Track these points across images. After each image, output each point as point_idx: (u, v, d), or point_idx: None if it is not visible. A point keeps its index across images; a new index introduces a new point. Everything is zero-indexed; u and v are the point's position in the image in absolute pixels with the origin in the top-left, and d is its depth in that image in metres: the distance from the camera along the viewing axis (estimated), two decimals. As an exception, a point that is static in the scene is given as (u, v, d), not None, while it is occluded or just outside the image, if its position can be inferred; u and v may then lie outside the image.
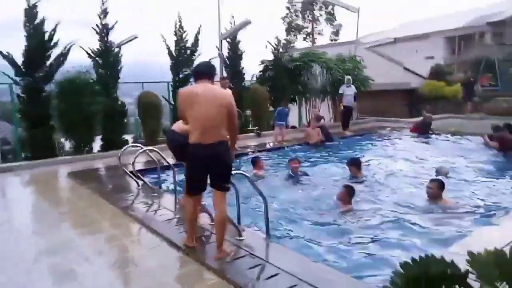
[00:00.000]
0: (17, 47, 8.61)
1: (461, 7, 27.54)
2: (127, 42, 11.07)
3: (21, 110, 8.67)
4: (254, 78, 13.36)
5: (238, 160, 7.26)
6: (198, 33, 11.00)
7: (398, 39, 24.54)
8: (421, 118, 11.78)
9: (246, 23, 10.91)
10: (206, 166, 3.30)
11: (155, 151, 5.88)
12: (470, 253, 1.88)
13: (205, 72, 3.42)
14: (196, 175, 3.36)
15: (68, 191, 6.37)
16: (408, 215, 4.73)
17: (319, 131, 10.38)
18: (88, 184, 6.28)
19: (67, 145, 9.81)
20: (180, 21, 10.87)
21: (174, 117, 10.90)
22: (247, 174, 4.07)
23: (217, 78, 4.74)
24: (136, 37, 11.33)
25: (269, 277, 2.96)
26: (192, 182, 3.42)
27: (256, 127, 12.06)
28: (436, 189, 5.08)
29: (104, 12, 9.58)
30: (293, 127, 13.56)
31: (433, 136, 10.94)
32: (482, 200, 5.31)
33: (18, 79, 8.62)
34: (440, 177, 5.74)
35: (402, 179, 6.60)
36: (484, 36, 20.83)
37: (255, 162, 7.04)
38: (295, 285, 2.77)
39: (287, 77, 12.91)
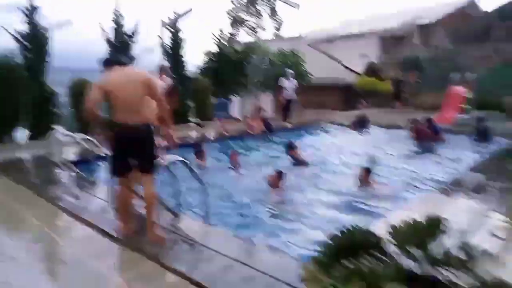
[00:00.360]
0: None
1: (393, 9, 29.32)
2: (60, 26, 10.28)
3: None
4: (198, 70, 13.17)
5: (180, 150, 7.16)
6: (137, 21, 10.58)
7: (337, 38, 25.59)
8: (357, 113, 12.44)
9: (188, 11, 10.71)
10: (128, 148, 3.31)
11: (90, 140, 5.60)
12: (392, 226, 2.07)
13: (115, 60, 3.45)
14: (118, 156, 3.35)
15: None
16: (340, 197, 5.05)
17: (260, 122, 10.57)
18: (12, 175, 5.79)
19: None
20: (119, 9, 10.36)
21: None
22: (186, 161, 4.03)
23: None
24: (70, 23, 10.60)
25: (206, 260, 2.98)
26: (114, 164, 3.40)
27: (198, 118, 11.92)
28: (364, 175, 5.47)
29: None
30: (236, 119, 13.63)
31: (367, 129, 11.58)
32: (403, 182, 5.90)
33: None
34: (369, 165, 6.17)
35: (338, 167, 6.98)
36: (413, 37, 22.45)
37: (197, 153, 7.02)
38: (231, 266, 2.82)
39: (230, 69, 12.92)
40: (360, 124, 11.74)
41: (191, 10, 10.71)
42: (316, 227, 3.97)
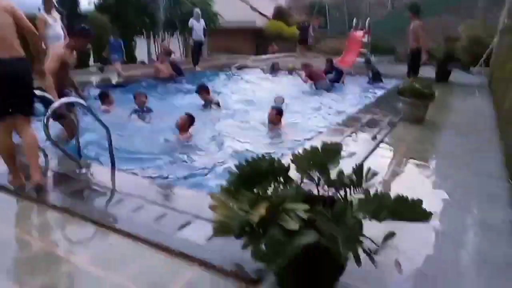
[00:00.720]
0: None
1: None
2: None
3: None
4: (92, 6, 11.74)
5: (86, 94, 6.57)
6: None
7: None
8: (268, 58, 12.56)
9: None
10: (5, 87, 2.92)
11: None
12: (292, 154, 2.20)
13: None
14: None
15: None
16: (252, 137, 5.22)
17: (168, 65, 10.08)
18: None
19: None
20: None
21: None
22: (85, 104, 3.69)
23: None
24: None
25: (116, 202, 2.90)
26: None
27: (99, 62, 10.87)
28: (274, 115, 5.68)
29: None
30: (142, 62, 12.78)
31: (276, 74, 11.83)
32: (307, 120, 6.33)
33: None
34: (277, 105, 6.44)
35: (248, 107, 7.13)
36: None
37: (103, 98, 6.56)
38: (142, 206, 2.78)
39: (132, 7, 11.79)
40: (272, 69, 11.94)
41: None
42: (227, 164, 4.08)
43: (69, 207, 2.76)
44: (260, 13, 21.59)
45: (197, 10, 11.57)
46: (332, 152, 2.08)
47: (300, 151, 2.07)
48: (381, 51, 13.98)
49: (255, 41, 19.95)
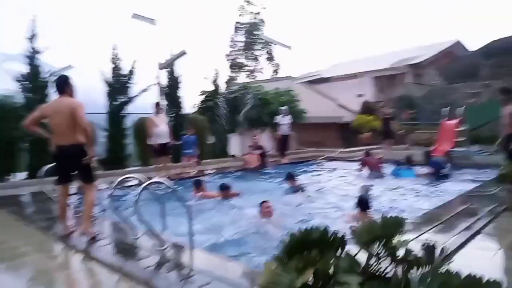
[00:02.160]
0: None
1: (385, 50, 30.53)
2: (61, 71, 10.76)
3: None
4: (195, 108, 13.54)
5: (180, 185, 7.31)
6: (134, 61, 11.08)
7: (332, 78, 26.42)
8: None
9: (182, 53, 11.22)
10: (65, 164, 4.28)
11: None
12: (351, 227, 2.12)
13: (58, 86, 4.40)
14: (59, 170, 4.36)
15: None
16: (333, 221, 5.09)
17: (258, 157, 10.74)
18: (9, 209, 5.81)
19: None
20: (116, 50, 10.89)
21: (109, 146, 10.62)
22: (166, 183, 4.10)
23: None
24: (71, 67, 11.05)
25: (186, 278, 2.98)
26: (58, 175, 4.41)
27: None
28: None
29: (33, 36, 9.34)
30: (233, 156, 13.79)
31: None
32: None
33: None
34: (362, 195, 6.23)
35: (332, 196, 7.06)
36: (405, 76, 23.15)
37: (197, 186, 7.12)
38: (208, 283, 2.80)
39: (227, 108, 13.28)
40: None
41: (185, 52, 11.20)
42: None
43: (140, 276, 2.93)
44: (347, 109, 22.28)
45: (283, 108, 12.49)
46: (394, 225, 1.96)
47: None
48: (482, 140, 12.94)
49: (342, 135, 20.27)
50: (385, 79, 24.50)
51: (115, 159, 10.23)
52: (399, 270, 1.81)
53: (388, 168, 9.59)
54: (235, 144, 14.43)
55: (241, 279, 3.01)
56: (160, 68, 11.62)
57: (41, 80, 9.40)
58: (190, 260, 3.47)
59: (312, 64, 72.42)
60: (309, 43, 57.69)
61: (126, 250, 3.79)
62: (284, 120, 12.28)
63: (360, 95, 23.72)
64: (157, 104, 9.10)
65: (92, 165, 4.38)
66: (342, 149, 15.30)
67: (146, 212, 4.76)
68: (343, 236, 1.95)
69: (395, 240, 1.90)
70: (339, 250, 1.92)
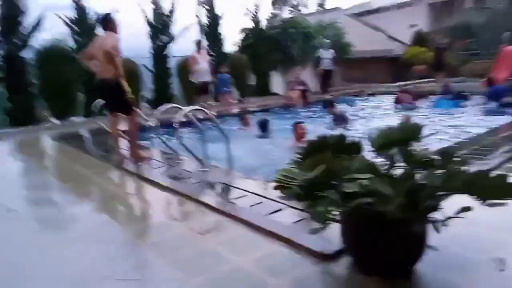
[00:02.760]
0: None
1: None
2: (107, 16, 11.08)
3: (2, 78, 8.79)
4: (236, 47, 13.48)
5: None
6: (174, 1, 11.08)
7: (382, 8, 24.51)
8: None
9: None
10: (104, 96, 4.83)
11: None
12: (368, 134, 2.20)
13: (101, 23, 4.84)
14: (104, 101, 4.94)
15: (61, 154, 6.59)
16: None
17: (300, 93, 10.71)
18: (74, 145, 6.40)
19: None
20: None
21: (155, 86, 11.08)
22: (208, 111, 4.35)
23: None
24: (117, 11, 11.30)
25: (237, 198, 3.20)
26: (106, 106, 4.98)
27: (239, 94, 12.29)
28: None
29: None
30: (276, 94, 13.81)
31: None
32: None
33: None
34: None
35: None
36: (465, 1, 20.88)
37: (242, 119, 7.56)
38: (260, 202, 2.95)
39: (268, 45, 13.05)
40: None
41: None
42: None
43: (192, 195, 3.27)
44: (398, 41, 20.87)
45: (325, 40, 12.04)
46: (412, 130, 2.01)
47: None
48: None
49: (391, 70, 19.24)
50: (441, 6, 22.29)
51: (161, 99, 10.71)
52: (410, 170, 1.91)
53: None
54: (277, 81, 14.36)
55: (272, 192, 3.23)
56: (200, 5, 11.53)
57: (88, 23, 9.79)
58: (228, 179, 3.78)
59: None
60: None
61: (172, 172, 4.18)
62: (326, 54, 11.90)
63: (412, 25, 21.93)
64: (198, 42, 9.20)
65: (128, 98, 4.58)
66: (390, 84, 14.66)
67: (191, 140, 5.13)
68: (359, 142, 2.05)
69: (413, 146, 1.97)
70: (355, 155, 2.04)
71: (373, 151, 2.01)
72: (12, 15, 8.67)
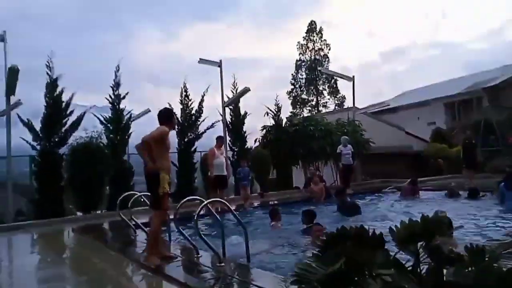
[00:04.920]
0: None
1: (454, 75, 28.82)
2: (142, 115, 12.07)
3: (35, 172, 9.29)
4: (257, 143, 14.00)
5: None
6: (201, 101, 12.00)
7: (399, 108, 25.53)
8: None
9: (246, 90, 11.84)
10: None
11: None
12: (390, 227, 2.15)
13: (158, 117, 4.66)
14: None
15: (80, 247, 6.57)
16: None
17: (322, 187, 10.70)
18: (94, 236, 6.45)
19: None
20: (185, 91, 11.94)
21: (179, 180, 11.37)
22: (227, 204, 4.36)
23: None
24: (149, 111, 12.30)
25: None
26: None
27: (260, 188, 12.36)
28: None
29: (117, 84, 10.68)
30: (297, 188, 13.79)
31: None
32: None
33: (34, 144, 9.41)
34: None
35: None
36: (482, 101, 21.59)
37: (273, 214, 6.91)
38: None
39: (289, 141, 13.53)
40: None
41: (248, 89, 11.83)
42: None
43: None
44: (417, 137, 21.22)
45: (343, 137, 12.38)
46: (438, 223, 1.94)
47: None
48: None
49: (411, 166, 19.20)
50: (458, 105, 23.07)
51: (184, 192, 10.89)
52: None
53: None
54: (298, 176, 14.47)
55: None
56: (225, 106, 12.35)
57: (122, 122, 10.62)
58: (246, 275, 3.62)
59: (377, 95, 71.20)
60: (373, 74, 56.89)
61: (190, 266, 4.05)
62: (345, 150, 12.12)
63: (430, 123, 22.53)
64: (219, 137, 9.61)
65: (162, 192, 4.32)
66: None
67: (209, 234, 5.07)
68: (381, 234, 1.99)
69: (438, 240, 1.88)
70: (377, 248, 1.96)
71: (395, 245, 1.93)
72: (55, 115, 9.54)
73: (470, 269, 1.67)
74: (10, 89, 8.74)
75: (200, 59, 12.06)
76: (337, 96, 37.27)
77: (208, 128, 12.06)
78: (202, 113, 11.98)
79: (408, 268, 1.77)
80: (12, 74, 8.49)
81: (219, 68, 12.14)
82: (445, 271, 1.79)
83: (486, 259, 1.77)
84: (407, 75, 56.95)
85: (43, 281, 4.24)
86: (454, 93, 23.00)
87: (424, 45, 59.49)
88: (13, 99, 9.08)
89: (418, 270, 1.74)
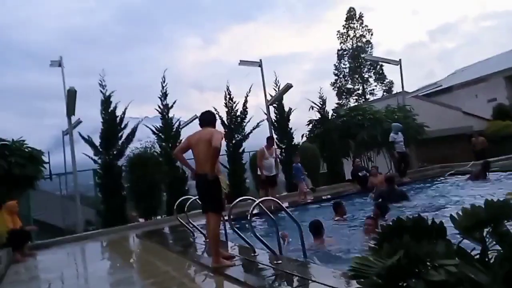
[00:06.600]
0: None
1: (510, 46, 26.31)
2: (190, 122, 12.48)
3: (98, 184, 9.97)
4: (304, 138, 13.85)
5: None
6: (245, 101, 12.14)
7: (453, 87, 24.00)
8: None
9: (288, 87, 11.78)
10: (200, 192, 4.30)
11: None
12: (451, 215, 2.03)
13: (202, 120, 4.45)
14: (199, 198, 4.40)
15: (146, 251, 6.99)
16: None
17: (382, 179, 10.36)
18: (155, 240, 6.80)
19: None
20: (229, 93, 12.15)
21: (230, 181, 11.58)
22: (279, 202, 4.37)
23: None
24: (196, 117, 12.66)
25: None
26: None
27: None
28: None
29: (164, 95, 11.13)
30: (349, 180, 13.47)
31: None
32: None
33: (96, 158, 10.09)
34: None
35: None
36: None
37: (336, 208, 6.84)
38: None
39: (337, 133, 13.24)
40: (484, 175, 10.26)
41: (291, 86, 11.76)
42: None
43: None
44: (477, 116, 19.80)
45: (394, 124, 11.85)
46: (501, 208, 1.81)
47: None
48: None
49: (472, 147, 17.92)
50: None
51: (236, 193, 11.08)
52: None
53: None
54: (349, 168, 14.10)
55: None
56: (269, 104, 12.38)
57: (172, 130, 11.05)
58: (304, 271, 3.60)
59: (428, 77, 67.37)
60: (421, 54, 53.85)
61: (248, 265, 4.11)
62: (398, 137, 11.62)
63: (491, 100, 20.92)
64: (269, 137, 9.66)
65: (223, 194, 4.31)
66: (474, 162, 13.55)
67: (265, 232, 5.11)
68: (441, 223, 1.89)
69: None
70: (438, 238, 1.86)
71: (458, 233, 1.83)
72: (111, 130, 10.17)
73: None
74: (70, 110, 9.46)
75: (240, 61, 12.22)
76: (385, 82, 35.87)
77: (254, 128, 12.18)
78: (247, 113, 12.13)
79: (475, 257, 1.67)
80: (71, 96, 9.18)
81: (259, 68, 12.22)
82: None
83: None
84: (459, 52, 53.35)
85: (114, 285, 4.53)
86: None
87: (475, 18, 55.32)
88: (73, 119, 9.85)
89: (486, 259, 1.64)
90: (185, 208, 6.26)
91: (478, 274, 1.42)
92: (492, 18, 55.53)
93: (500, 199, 1.93)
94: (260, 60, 12.24)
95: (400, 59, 15.38)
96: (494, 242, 1.74)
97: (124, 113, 10.47)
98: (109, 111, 10.35)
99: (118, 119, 10.41)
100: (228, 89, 12.30)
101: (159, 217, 10.15)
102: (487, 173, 9.87)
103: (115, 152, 10.22)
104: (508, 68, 21.40)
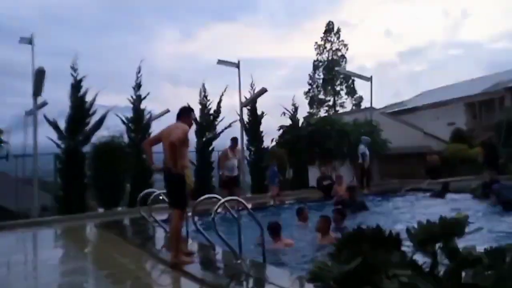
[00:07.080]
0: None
1: (475, 76, 28.00)
2: (161, 115, 12.27)
3: (59, 169, 9.60)
4: (273, 142, 14.02)
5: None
6: (220, 101, 12.14)
7: (418, 108, 25.12)
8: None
9: (263, 91, 11.90)
10: (166, 186, 4.32)
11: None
12: (407, 227, 2.16)
13: (177, 114, 4.50)
14: (166, 193, 4.46)
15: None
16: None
17: (344, 188, 10.65)
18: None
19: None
20: (204, 91, 12.10)
21: (197, 178, 11.51)
22: (244, 202, 4.43)
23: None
24: (168, 111, 12.48)
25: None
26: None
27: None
28: None
29: (138, 85, 10.91)
30: (313, 187, 13.75)
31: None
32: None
33: (59, 142, 9.73)
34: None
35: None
36: (504, 100, 21.04)
37: (299, 213, 6.94)
38: None
39: (306, 141, 13.52)
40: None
41: (265, 90, 11.89)
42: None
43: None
44: (436, 138, 20.83)
45: (364, 137, 12.30)
46: (456, 224, 1.94)
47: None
48: None
49: (430, 166, 18.86)
50: (479, 105, 22.55)
51: (202, 190, 11.02)
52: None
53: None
54: (314, 175, 14.42)
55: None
56: (243, 106, 12.42)
57: (143, 122, 10.85)
58: (262, 272, 3.68)
59: (395, 96, 70.36)
60: (390, 74, 56.04)
61: (207, 263, 4.14)
62: (366, 151, 12.08)
63: (450, 123, 22.10)
64: (233, 138, 9.69)
65: (186, 190, 4.25)
66: (430, 180, 14.26)
67: (226, 231, 5.14)
68: (397, 235, 2.01)
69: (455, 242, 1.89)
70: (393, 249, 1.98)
71: (412, 246, 1.95)
72: (79, 115, 9.83)
73: (489, 271, 1.69)
74: (37, 90, 9.05)
75: (218, 60, 12.19)
76: (355, 96, 36.91)
77: (225, 128, 12.20)
78: (220, 113, 12.11)
79: (426, 270, 1.80)
80: (39, 76, 8.79)
81: (237, 69, 12.25)
82: (463, 273, 1.82)
83: (507, 261, 1.78)
84: (426, 75, 55.74)
85: (66, 274, 4.40)
86: (475, 93, 22.49)
87: (443, 44, 58.04)
88: (39, 100, 9.44)
89: (436, 272, 1.77)
90: (148, 201, 6.18)
91: (429, 286, 1.54)
92: (459, 47, 58.60)
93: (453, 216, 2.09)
94: (238, 61, 12.27)
95: (371, 76, 15.95)
96: (444, 257, 1.89)
97: (94, 99, 10.16)
98: (79, 96, 10.00)
99: (87, 105, 10.07)
100: (203, 86, 12.26)
101: (120, 208, 9.90)
102: (446, 193, 10.46)
103: (80, 138, 9.87)
104: (469, 95, 22.73)
